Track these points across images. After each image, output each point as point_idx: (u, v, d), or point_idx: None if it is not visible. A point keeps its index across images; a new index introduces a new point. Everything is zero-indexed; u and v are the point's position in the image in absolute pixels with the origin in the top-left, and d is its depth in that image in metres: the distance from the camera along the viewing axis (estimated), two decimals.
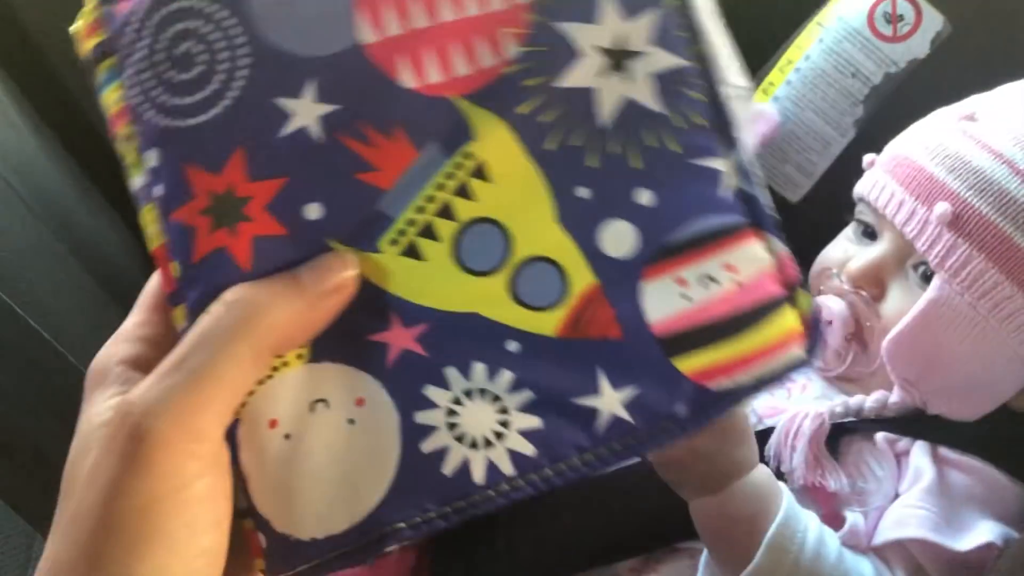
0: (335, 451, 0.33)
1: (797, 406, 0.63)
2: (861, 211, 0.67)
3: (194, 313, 0.32)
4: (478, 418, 0.34)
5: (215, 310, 0.31)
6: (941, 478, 0.58)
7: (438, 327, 0.34)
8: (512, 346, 0.34)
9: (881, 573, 0.57)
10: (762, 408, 0.65)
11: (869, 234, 0.66)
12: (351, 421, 0.33)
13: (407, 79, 0.33)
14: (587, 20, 0.34)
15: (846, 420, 0.61)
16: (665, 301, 0.35)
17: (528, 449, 0.34)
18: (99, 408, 0.31)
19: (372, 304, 0.34)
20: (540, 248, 0.35)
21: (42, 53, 0.82)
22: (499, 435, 0.34)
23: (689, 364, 0.35)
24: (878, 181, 0.65)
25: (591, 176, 0.35)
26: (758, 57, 0.86)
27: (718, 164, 0.36)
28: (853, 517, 0.58)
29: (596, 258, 0.35)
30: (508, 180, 0.34)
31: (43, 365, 0.59)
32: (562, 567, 0.62)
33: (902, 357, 0.60)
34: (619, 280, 0.35)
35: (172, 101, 0.32)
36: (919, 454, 0.60)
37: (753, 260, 0.36)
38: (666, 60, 0.35)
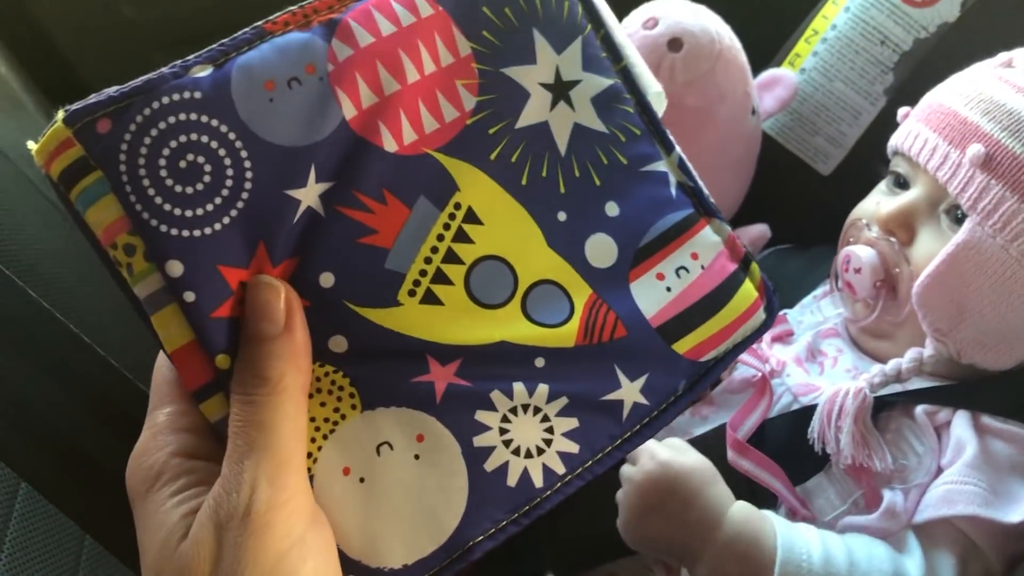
0: (408, 485, 0.36)
1: (831, 381, 0.62)
2: (896, 164, 0.66)
3: None
4: (527, 430, 0.38)
5: None
6: (984, 449, 0.56)
7: (472, 359, 0.38)
8: (540, 362, 0.39)
9: (910, 550, 0.55)
10: (796, 386, 0.63)
11: (902, 184, 0.64)
12: (416, 456, 0.36)
13: (388, 143, 0.36)
14: (527, 62, 0.39)
15: (888, 392, 0.60)
16: (652, 296, 0.41)
17: (572, 448, 0.39)
18: (173, 516, 0.32)
19: (407, 352, 0.37)
20: (541, 272, 0.39)
21: (51, 40, 0.83)
22: (547, 441, 0.38)
23: (683, 345, 0.41)
24: (912, 130, 0.63)
25: (565, 200, 0.40)
26: (783, 28, 0.84)
27: (662, 166, 0.42)
28: (890, 496, 0.56)
29: (587, 271, 0.40)
30: (498, 219, 0.39)
31: (71, 355, 0.60)
32: (594, 556, 0.62)
33: (932, 302, 0.59)
34: (611, 287, 0.40)
35: (186, 213, 0.33)
36: (960, 425, 0.58)
37: (709, 245, 0.42)
38: (598, 83, 0.40)
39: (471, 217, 0.38)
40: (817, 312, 0.68)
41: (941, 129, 0.60)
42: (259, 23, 0.35)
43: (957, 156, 0.59)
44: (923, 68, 0.76)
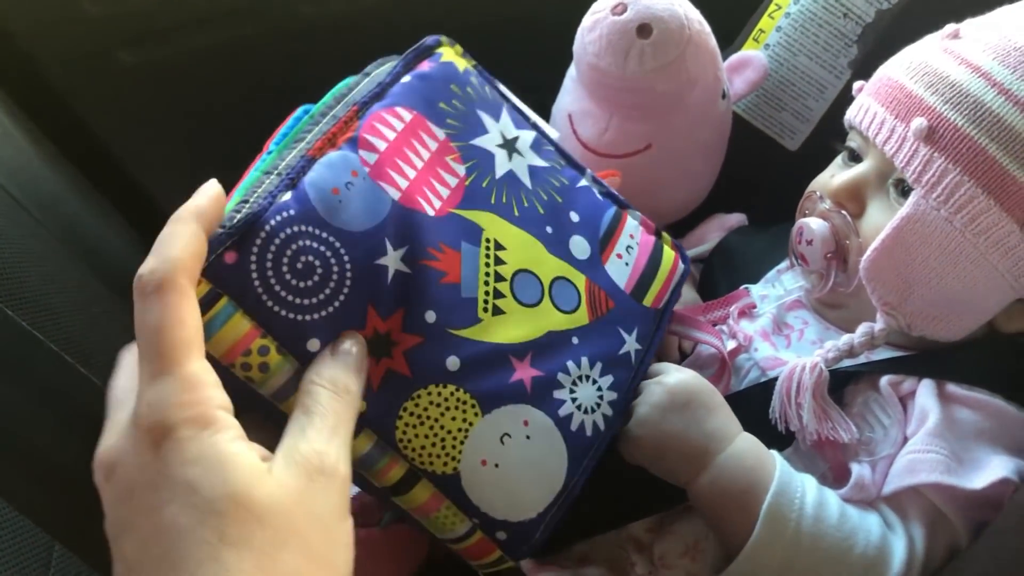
0: (529, 458, 0.50)
1: (797, 354, 0.63)
2: (850, 138, 0.66)
3: (382, 431, 0.46)
4: (587, 393, 0.53)
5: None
6: (947, 416, 0.57)
7: (538, 350, 0.51)
8: (575, 340, 0.53)
9: (891, 524, 0.56)
10: (764, 360, 0.64)
11: (855, 158, 0.65)
12: (528, 437, 0.50)
13: (428, 209, 0.49)
14: (483, 132, 0.54)
15: (841, 365, 0.60)
16: (620, 271, 0.58)
17: (614, 396, 0.55)
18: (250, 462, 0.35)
19: (497, 360, 0.50)
20: (553, 272, 0.54)
21: (34, 62, 0.82)
22: (600, 397, 0.54)
23: (648, 299, 0.60)
24: (862, 104, 0.64)
25: (545, 218, 0.55)
26: (747, 5, 0.85)
27: (586, 182, 0.60)
28: (858, 469, 0.57)
29: (578, 264, 0.56)
30: (513, 242, 0.52)
31: (45, 370, 0.60)
32: (577, 532, 0.62)
33: (879, 276, 0.59)
34: (595, 272, 0.56)
35: (312, 300, 0.43)
36: (924, 394, 0.58)
37: (635, 227, 0.61)
38: (527, 135, 0.58)
39: (499, 246, 0.51)
40: (779, 285, 0.69)
41: (888, 103, 0.61)
42: (304, 153, 0.46)
43: (902, 129, 0.59)
44: (886, 39, 0.76)
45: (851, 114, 0.65)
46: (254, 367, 0.42)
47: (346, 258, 0.44)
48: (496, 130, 0.55)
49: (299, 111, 0.52)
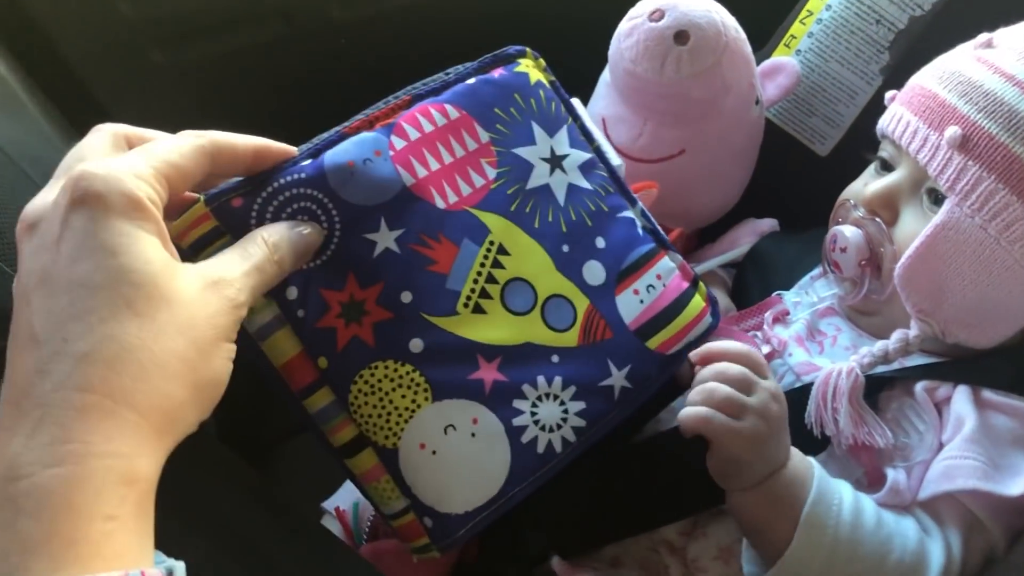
0: (468, 455, 0.50)
1: (831, 360, 0.63)
2: (883, 147, 0.66)
3: (339, 391, 0.49)
4: (550, 411, 0.53)
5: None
6: (984, 423, 0.57)
7: (509, 357, 0.52)
8: (555, 358, 0.53)
9: (927, 529, 0.56)
10: (798, 366, 0.64)
11: (888, 167, 0.65)
12: (473, 435, 0.50)
13: (439, 202, 0.51)
14: (530, 143, 0.55)
15: (877, 370, 0.61)
16: (631, 307, 0.57)
17: (581, 423, 0.54)
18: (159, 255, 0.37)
19: (463, 352, 0.51)
20: (553, 289, 0.54)
21: (67, 58, 0.82)
22: (564, 419, 0.53)
23: (654, 342, 0.57)
24: (895, 114, 0.64)
25: (566, 237, 0.55)
26: (779, 10, 0.85)
27: (630, 214, 0.59)
28: (894, 475, 0.57)
29: (585, 288, 0.55)
30: (520, 251, 0.53)
31: None
32: (609, 534, 0.63)
33: (913, 283, 0.60)
34: (602, 300, 0.56)
35: None
36: (960, 400, 0.59)
37: (668, 270, 0.59)
38: (580, 156, 0.58)
39: (502, 251, 0.53)
40: (812, 293, 0.69)
41: (921, 112, 0.61)
42: (339, 128, 0.50)
43: (936, 138, 0.59)
44: (918, 46, 0.76)
45: (883, 123, 0.65)
46: None
47: (338, 225, 0.48)
48: (546, 144, 0.56)
49: None
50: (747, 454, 0.54)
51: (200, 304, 0.38)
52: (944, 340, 0.61)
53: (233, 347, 0.40)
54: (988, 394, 0.59)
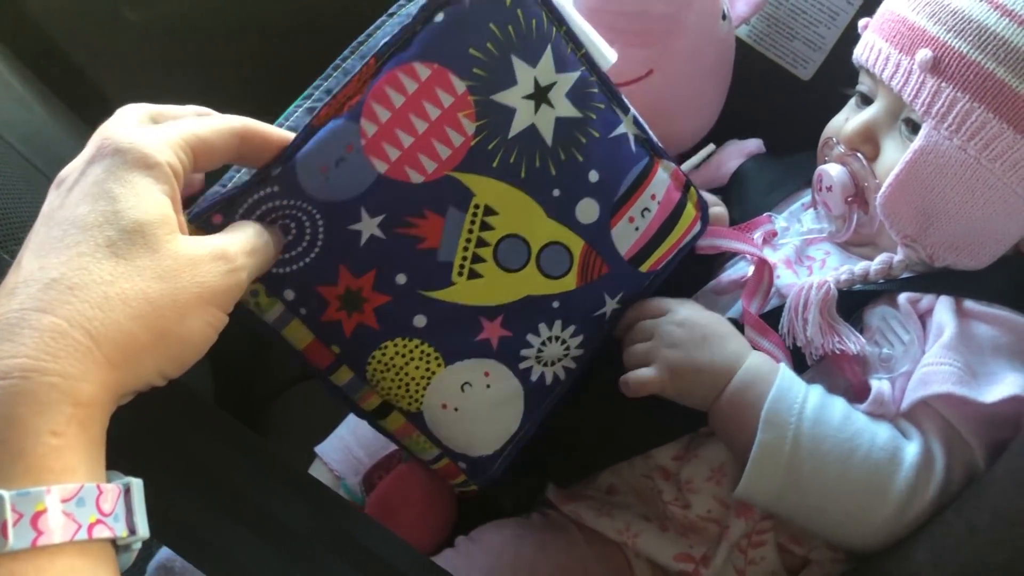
0: (487, 405, 0.55)
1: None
2: (861, 80, 0.66)
3: (356, 370, 0.52)
4: (553, 350, 0.57)
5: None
6: (964, 331, 0.58)
7: (511, 313, 0.54)
8: (555, 304, 0.55)
9: (907, 433, 0.57)
10: (785, 287, 0.64)
11: (867, 101, 0.65)
12: (488, 386, 0.55)
13: (415, 177, 0.49)
14: (510, 84, 0.50)
15: (855, 287, 0.61)
16: (626, 236, 0.57)
17: (580, 352, 0.58)
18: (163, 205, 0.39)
19: (466, 319, 0.52)
20: (546, 238, 0.54)
21: (39, 20, 0.82)
22: (565, 353, 0.57)
23: (647, 265, 0.59)
24: (868, 42, 0.64)
25: (556, 180, 0.53)
26: None
27: (623, 128, 0.55)
28: (878, 385, 0.58)
29: (579, 228, 0.55)
30: (507, 207, 0.52)
31: None
32: (604, 459, 0.65)
33: (897, 211, 0.60)
34: (598, 237, 0.55)
35: (286, 256, 0.48)
36: (941, 310, 0.59)
37: (662, 183, 0.58)
38: (568, 78, 0.52)
39: (488, 211, 0.51)
40: (803, 222, 0.70)
41: (892, 37, 0.61)
42: (308, 122, 0.46)
43: (908, 63, 0.59)
44: None
45: (858, 53, 0.65)
46: (251, 303, 0.49)
47: (320, 223, 0.48)
48: (529, 78, 0.50)
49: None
50: (680, 381, 0.58)
51: (188, 261, 0.38)
52: (932, 264, 0.62)
53: (219, 315, 0.40)
54: (970, 304, 0.60)
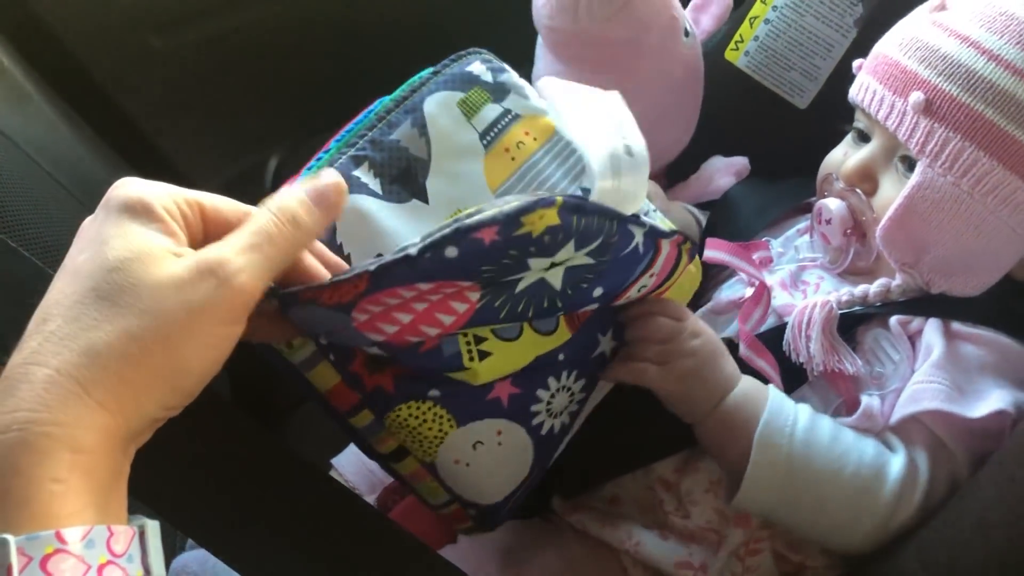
0: (498, 459, 0.55)
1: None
2: (857, 117, 0.69)
3: (377, 414, 0.52)
4: (561, 401, 0.57)
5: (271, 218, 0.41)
6: (951, 351, 0.60)
7: (519, 375, 0.54)
8: (561, 356, 0.55)
9: (892, 446, 0.59)
10: (781, 307, 0.67)
11: (864, 137, 0.68)
12: (499, 444, 0.54)
13: (416, 340, 0.46)
14: (523, 271, 0.44)
15: (854, 308, 0.64)
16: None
17: (583, 395, 0.59)
18: (162, 246, 0.39)
19: (479, 389, 0.52)
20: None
21: (51, 28, 0.83)
22: (570, 399, 0.58)
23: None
24: (863, 83, 0.67)
25: (560, 309, 0.50)
26: None
27: (636, 240, 0.49)
28: (868, 400, 0.60)
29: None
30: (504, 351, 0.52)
31: None
32: (607, 472, 0.67)
33: (895, 242, 0.63)
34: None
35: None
36: (931, 331, 0.62)
37: (661, 259, 0.53)
38: (590, 248, 0.45)
39: (482, 355, 0.51)
40: (796, 251, 0.72)
41: (886, 80, 0.64)
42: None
43: (902, 104, 0.62)
44: None
45: (853, 93, 0.68)
46: (289, 345, 0.50)
47: (332, 355, 0.50)
48: (544, 263, 0.44)
49: (375, 104, 0.53)
50: (684, 388, 0.59)
51: (172, 287, 0.37)
52: (929, 291, 0.64)
53: (223, 330, 0.39)
54: (957, 326, 0.63)
